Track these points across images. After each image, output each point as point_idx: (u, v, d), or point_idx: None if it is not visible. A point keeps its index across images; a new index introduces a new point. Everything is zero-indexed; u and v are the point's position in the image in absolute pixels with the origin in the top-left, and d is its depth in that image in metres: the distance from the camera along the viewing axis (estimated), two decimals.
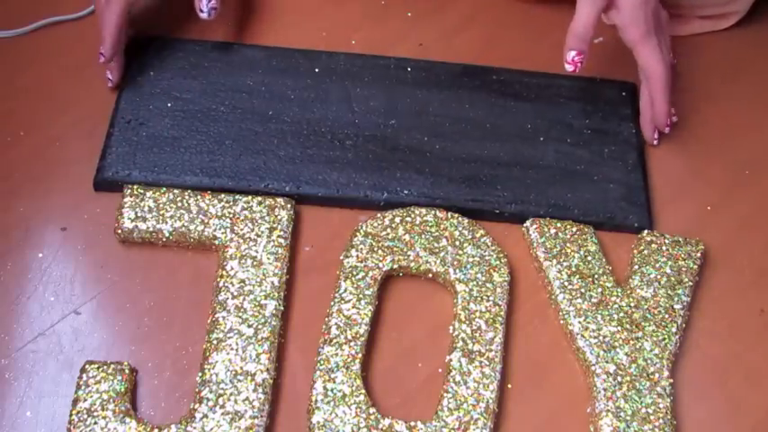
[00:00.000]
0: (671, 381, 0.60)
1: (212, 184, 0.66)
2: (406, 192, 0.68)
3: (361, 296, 0.61)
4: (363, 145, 0.69)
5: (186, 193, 0.64)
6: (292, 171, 0.67)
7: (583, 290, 0.63)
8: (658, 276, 0.64)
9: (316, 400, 0.57)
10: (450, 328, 0.61)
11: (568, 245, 0.65)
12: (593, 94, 0.74)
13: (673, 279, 0.64)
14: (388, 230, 0.65)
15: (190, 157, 0.67)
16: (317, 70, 0.73)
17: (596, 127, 0.73)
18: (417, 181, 0.68)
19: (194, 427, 0.55)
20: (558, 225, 0.66)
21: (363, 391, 0.57)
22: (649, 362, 0.60)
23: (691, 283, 0.64)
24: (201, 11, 0.65)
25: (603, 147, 0.72)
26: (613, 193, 0.69)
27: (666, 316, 0.62)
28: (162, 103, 0.70)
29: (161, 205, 0.64)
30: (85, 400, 0.55)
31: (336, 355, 0.59)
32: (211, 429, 0.55)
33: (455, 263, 0.63)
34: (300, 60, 0.74)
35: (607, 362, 0.60)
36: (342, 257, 0.63)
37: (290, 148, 0.69)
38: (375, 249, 0.63)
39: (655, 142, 0.72)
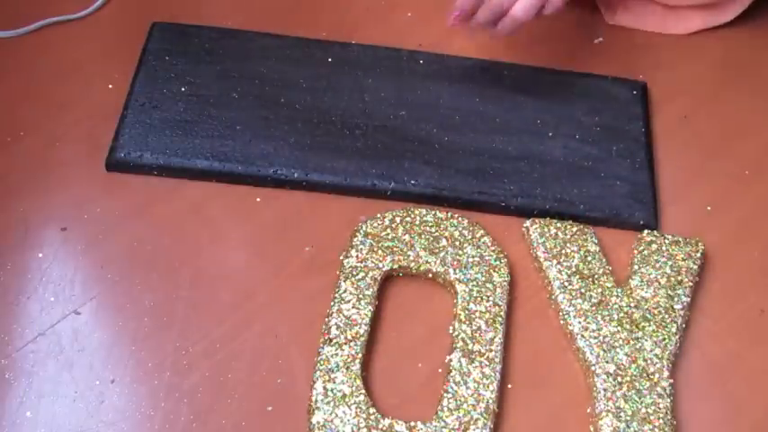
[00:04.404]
0: (671, 381, 0.60)
1: (222, 168, 0.67)
2: (413, 182, 0.68)
3: (361, 296, 0.61)
4: (373, 134, 0.70)
5: None
6: (301, 158, 0.68)
7: (583, 290, 0.63)
8: (658, 276, 0.64)
9: (316, 400, 0.57)
10: (450, 328, 0.61)
11: (568, 245, 0.65)
12: (604, 92, 0.75)
13: (673, 279, 0.64)
14: (388, 230, 0.65)
15: (201, 141, 0.68)
16: (329, 60, 0.74)
17: (605, 124, 0.73)
18: (425, 172, 0.68)
19: None
20: (559, 225, 0.66)
21: (363, 391, 0.57)
22: (649, 362, 0.60)
23: (691, 283, 0.64)
24: None
25: (612, 144, 0.72)
26: (620, 190, 0.69)
27: (666, 316, 0.62)
28: (176, 88, 0.71)
29: None
30: None
31: (336, 355, 0.59)
32: None
33: (455, 263, 0.63)
34: (314, 50, 0.74)
35: (607, 362, 0.60)
36: (342, 257, 0.63)
37: (300, 136, 0.69)
38: (375, 249, 0.63)
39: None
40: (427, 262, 0.63)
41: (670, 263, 0.65)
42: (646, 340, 0.61)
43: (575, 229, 0.66)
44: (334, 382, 0.57)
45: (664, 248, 0.66)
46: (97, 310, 0.61)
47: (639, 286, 0.64)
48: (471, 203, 0.68)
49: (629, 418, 0.58)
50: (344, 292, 0.61)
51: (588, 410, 0.60)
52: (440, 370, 0.60)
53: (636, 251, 0.66)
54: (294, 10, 0.79)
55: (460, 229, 0.65)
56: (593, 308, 0.62)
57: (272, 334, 0.61)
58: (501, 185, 0.68)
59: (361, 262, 0.63)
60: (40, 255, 0.63)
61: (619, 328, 0.61)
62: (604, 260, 0.65)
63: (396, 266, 0.63)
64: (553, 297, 0.64)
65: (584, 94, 0.74)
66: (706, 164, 0.73)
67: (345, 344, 0.59)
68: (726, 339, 0.64)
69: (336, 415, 0.56)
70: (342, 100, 0.72)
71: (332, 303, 0.61)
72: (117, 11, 0.77)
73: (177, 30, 0.74)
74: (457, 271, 0.63)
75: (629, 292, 0.63)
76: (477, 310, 0.61)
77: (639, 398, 0.59)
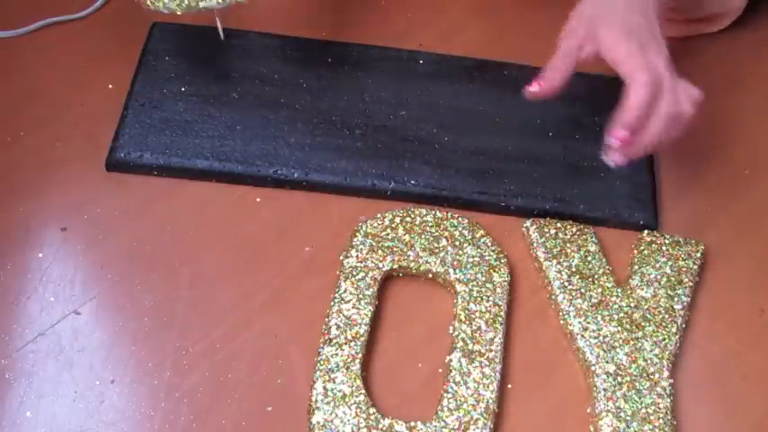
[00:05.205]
0: (671, 381, 0.60)
1: (222, 168, 0.67)
2: (413, 182, 0.68)
3: (361, 296, 0.61)
4: (373, 135, 0.70)
5: None
6: (301, 158, 0.68)
7: (583, 290, 0.63)
8: (658, 276, 0.64)
9: (316, 400, 0.57)
10: (450, 328, 0.61)
11: (568, 245, 0.65)
12: (604, 92, 0.74)
13: (673, 279, 0.64)
14: (388, 230, 0.65)
15: (201, 141, 0.68)
16: (329, 60, 0.74)
17: (605, 124, 0.73)
18: (425, 172, 0.68)
19: None
20: (559, 225, 0.66)
21: (363, 391, 0.57)
22: (649, 362, 0.60)
23: (691, 283, 0.64)
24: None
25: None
26: (620, 190, 0.69)
27: (666, 316, 0.62)
28: (176, 88, 0.71)
29: None
30: None
31: (336, 355, 0.59)
32: None
33: (455, 263, 0.63)
34: (314, 50, 0.74)
35: (607, 362, 0.60)
36: (342, 257, 0.63)
37: (300, 136, 0.69)
38: (375, 249, 0.63)
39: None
40: (427, 262, 0.63)
41: (670, 263, 0.65)
42: (646, 340, 0.61)
43: (575, 229, 0.66)
44: (334, 382, 0.57)
45: (664, 248, 0.66)
46: (97, 310, 0.61)
47: (639, 286, 0.64)
48: (471, 203, 0.68)
49: (629, 417, 0.58)
50: (344, 292, 0.61)
51: (588, 410, 0.60)
52: (440, 370, 0.60)
53: (636, 251, 0.66)
54: (294, 10, 0.79)
55: (460, 229, 0.65)
56: (593, 308, 0.62)
57: (272, 334, 0.61)
58: (501, 185, 0.68)
59: (361, 262, 0.63)
60: (40, 255, 0.63)
61: (619, 328, 0.61)
62: (604, 260, 0.65)
63: (396, 266, 0.63)
64: (553, 297, 0.64)
65: (584, 93, 0.74)
66: (706, 164, 0.73)
67: (345, 344, 0.59)
68: (725, 339, 0.64)
69: (336, 415, 0.56)
70: (341, 100, 0.72)
71: (332, 303, 0.61)
72: (117, 11, 0.77)
73: (177, 30, 0.74)
74: (457, 271, 0.63)
75: (629, 292, 0.63)
76: (477, 310, 0.61)
77: (639, 398, 0.59)
